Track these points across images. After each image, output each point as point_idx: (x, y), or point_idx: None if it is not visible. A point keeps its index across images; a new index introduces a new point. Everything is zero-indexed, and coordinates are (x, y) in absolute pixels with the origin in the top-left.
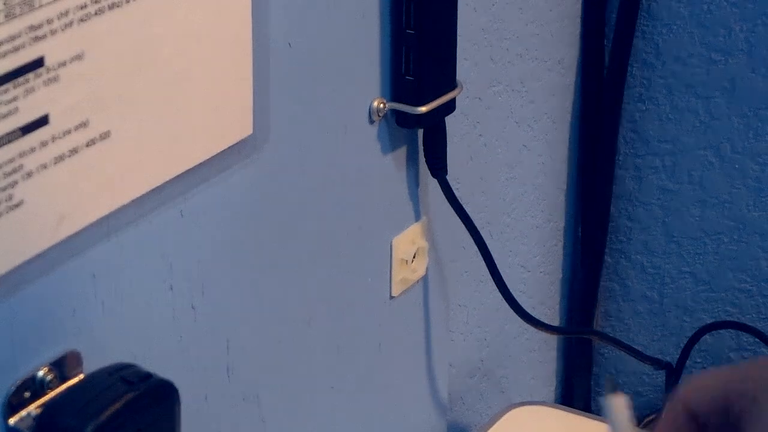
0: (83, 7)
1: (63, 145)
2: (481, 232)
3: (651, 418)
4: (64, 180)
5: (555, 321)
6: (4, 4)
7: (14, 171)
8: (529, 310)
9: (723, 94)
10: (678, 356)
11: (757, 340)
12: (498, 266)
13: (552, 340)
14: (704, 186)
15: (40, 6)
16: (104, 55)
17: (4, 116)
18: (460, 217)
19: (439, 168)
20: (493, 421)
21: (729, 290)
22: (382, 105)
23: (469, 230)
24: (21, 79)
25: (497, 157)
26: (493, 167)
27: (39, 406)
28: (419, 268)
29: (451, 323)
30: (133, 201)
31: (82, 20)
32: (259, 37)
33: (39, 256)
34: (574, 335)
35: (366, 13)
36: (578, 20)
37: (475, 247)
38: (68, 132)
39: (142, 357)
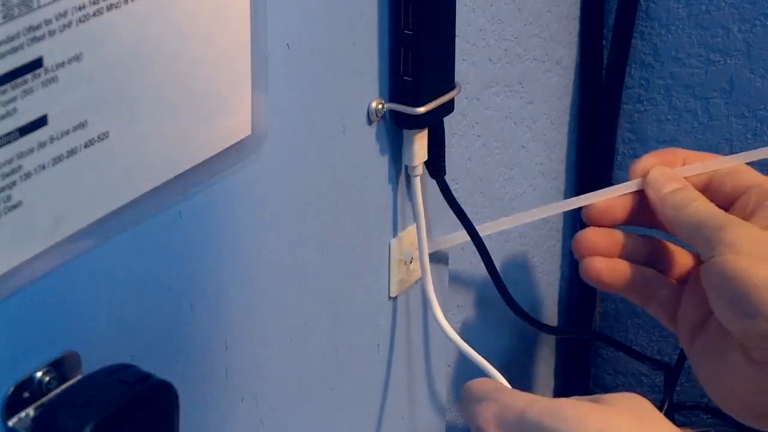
0: (82, 7)
1: (61, 146)
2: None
3: None
4: (62, 181)
5: (553, 322)
6: (3, 5)
7: (13, 172)
8: (527, 311)
9: (721, 94)
10: (677, 357)
11: None
12: (497, 267)
13: (550, 341)
14: None
15: (39, 7)
16: (103, 56)
17: (3, 117)
18: (458, 218)
19: (437, 169)
20: None
21: None
22: (380, 106)
23: (467, 230)
24: (19, 80)
25: (496, 157)
26: (492, 168)
27: (37, 407)
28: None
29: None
30: (131, 202)
31: (80, 21)
32: (258, 38)
33: (37, 257)
34: (573, 335)
35: (364, 14)
36: (577, 21)
37: (474, 248)
38: (66, 133)
39: (141, 358)
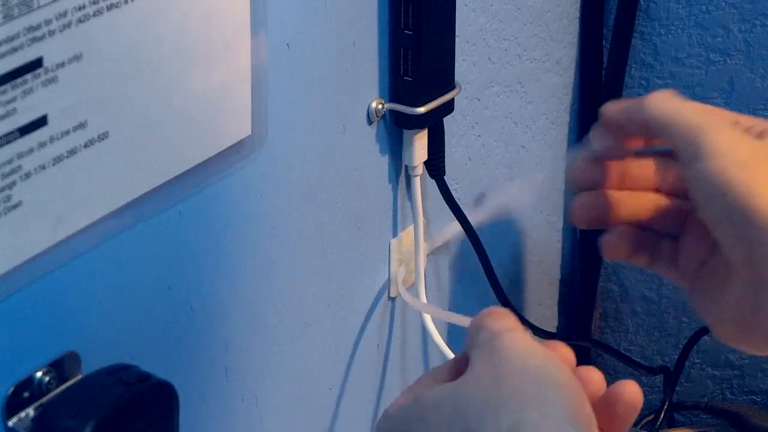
0: (82, 8)
1: (61, 146)
2: (478, 233)
3: (650, 418)
4: (62, 181)
5: (553, 322)
6: (3, 5)
7: (13, 172)
8: (527, 311)
9: (721, 94)
10: (677, 357)
11: None
12: (496, 267)
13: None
14: None
15: (39, 7)
16: (102, 56)
17: (3, 117)
18: (457, 218)
19: (437, 169)
20: None
21: None
22: (380, 106)
23: (466, 231)
24: (19, 80)
25: (495, 157)
26: (492, 168)
27: (37, 407)
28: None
29: (450, 324)
30: (131, 201)
31: (80, 21)
32: (258, 38)
33: (37, 257)
34: (570, 343)
35: (364, 14)
36: (576, 21)
37: (473, 248)
38: (66, 133)
39: (141, 358)
